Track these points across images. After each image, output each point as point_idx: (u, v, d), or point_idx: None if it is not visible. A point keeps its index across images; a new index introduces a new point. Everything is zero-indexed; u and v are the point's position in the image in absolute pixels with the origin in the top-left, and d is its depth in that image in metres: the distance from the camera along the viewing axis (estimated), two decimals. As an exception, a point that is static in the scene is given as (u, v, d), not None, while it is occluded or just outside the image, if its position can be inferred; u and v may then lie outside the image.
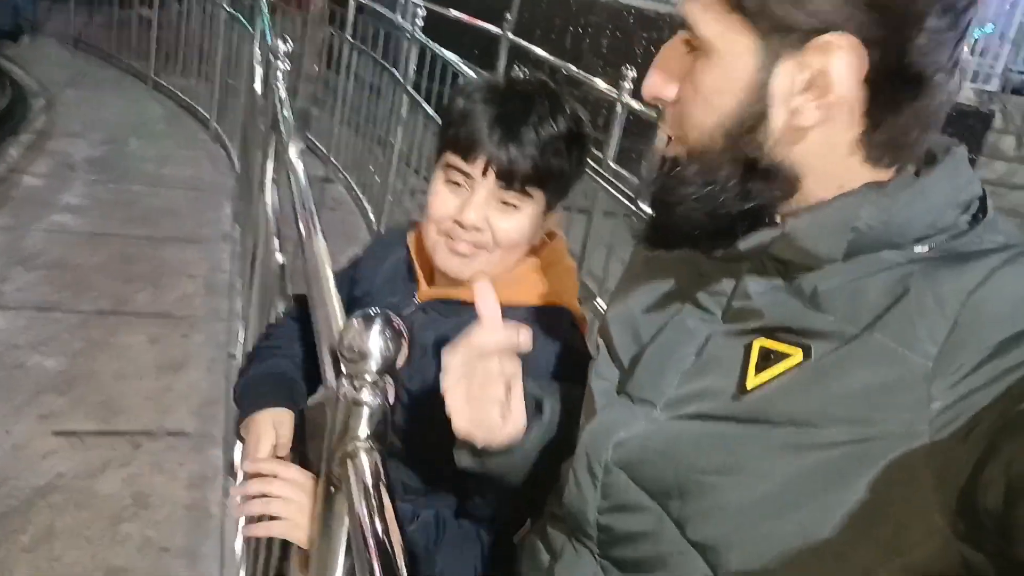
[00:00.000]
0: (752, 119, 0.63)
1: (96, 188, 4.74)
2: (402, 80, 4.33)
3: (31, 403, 2.71)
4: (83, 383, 2.88)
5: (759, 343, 0.66)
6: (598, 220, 3.59)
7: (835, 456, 0.60)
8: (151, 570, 2.14)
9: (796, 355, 0.64)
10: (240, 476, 1.19)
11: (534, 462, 0.86)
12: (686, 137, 0.67)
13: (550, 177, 1.08)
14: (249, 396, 1.24)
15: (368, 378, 0.71)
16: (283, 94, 2.19)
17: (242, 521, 1.79)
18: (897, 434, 0.57)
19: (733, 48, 0.62)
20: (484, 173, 1.06)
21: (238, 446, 2.33)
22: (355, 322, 0.71)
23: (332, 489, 0.72)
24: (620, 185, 3.31)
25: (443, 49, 4.08)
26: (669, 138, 0.71)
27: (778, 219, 0.67)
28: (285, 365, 1.28)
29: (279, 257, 2.05)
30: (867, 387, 0.59)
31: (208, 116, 6.15)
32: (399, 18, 4.71)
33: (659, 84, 0.68)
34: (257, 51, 3.77)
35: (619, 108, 3.72)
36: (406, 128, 4.42)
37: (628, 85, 3.66)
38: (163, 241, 4.17)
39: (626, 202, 3.15)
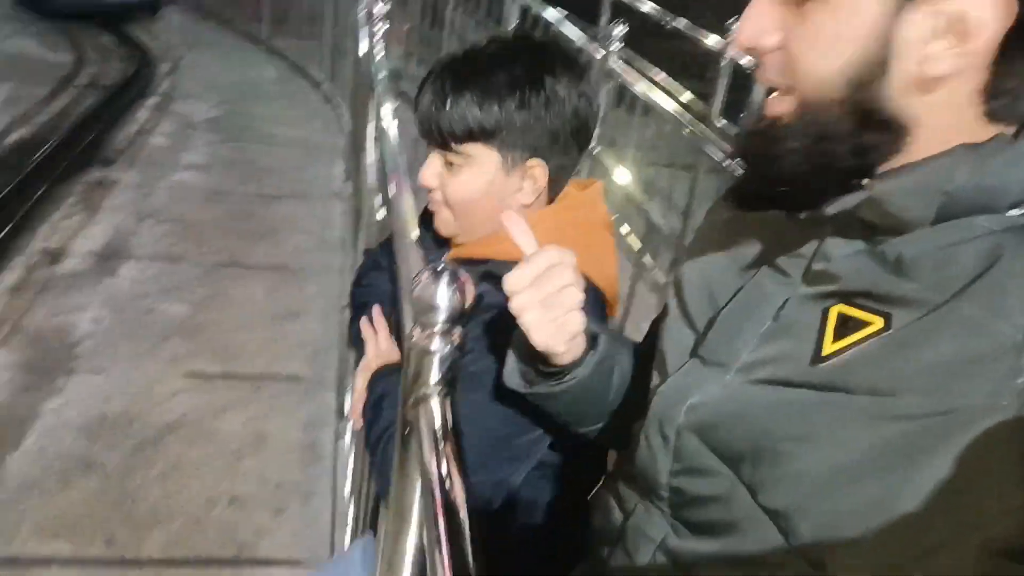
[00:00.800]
0: (876, 67, 0.60)
1: (215, 147, 4.99)
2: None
3: (161, 346, 2.92)
4: (206, 329, 3.07)
5: (837, 309, 0.65)
6: (703, 177, 3.52)
7: (915, 428, 0.58)
8: (268, 502, 2.29)
9: (876, 323, 0.62)
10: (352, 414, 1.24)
11: (579, 397, 0.86)
12: (796, 87, 0.64)
13: (487, 133, 1.04)
14: (362, 303, 1.31)
15: (437, 328, 0.75)
16: (380, 54, 2.23)
17: (351, 463, 1.86)
18: (981, 407, 0.55)
19: None
20: (427, 136, 1.09)
21: (349, 392, 2.47)
22: (425, 276, 0.75)
23: (407, 431, 0.76)
24: (724, 142, 3.23)
25: (545, 6, 4.05)
26: (770, 90, 0.68)
27: (864, 181, 0.64)
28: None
29: (380, 214, 2.12)
30: (951, 358, 0.57)
31: (319, 77, 6.34)
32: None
33: (757, 31, 0.64)
34: (362, 12, 3.85)
35: (724, 62, 3.61)
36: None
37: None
38: (277, 198, 4.36)
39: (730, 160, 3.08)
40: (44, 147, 4.47)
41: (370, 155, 2.48)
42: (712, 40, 4.05)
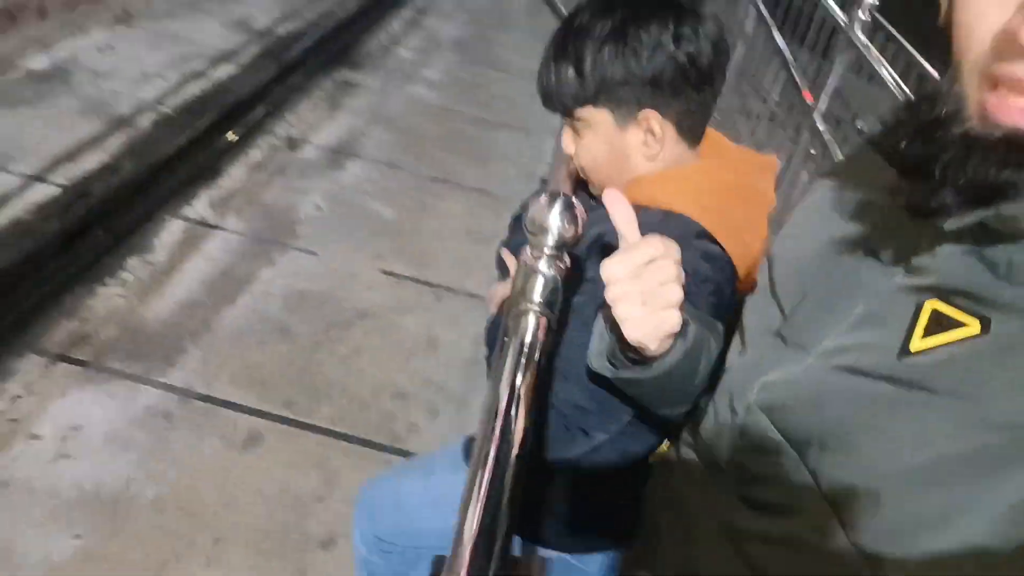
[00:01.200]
0: None
1: (453, 67, 5.22)
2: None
3: (367, 241, 3.17)
4: (409, 234, 3.29)
5: (931, 304, 0.61)
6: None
7: (1000, 439, 0.55)
8: (426, 401, 2.46)
9: (972, 326, 0.58)
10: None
11: (664, 385, 0.84)
12: None
13: (589, 96, 1.03)
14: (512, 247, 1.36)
15: (546, 251, 0.77)
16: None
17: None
18: None
19: None
20: (547, 106, 1.10)
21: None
22: (541, 199, 0.77)
23: (505, 339, 0.80)
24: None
25: None
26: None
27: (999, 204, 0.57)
28: None
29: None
30: None
31: (564, 12, 6.38)
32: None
33: None
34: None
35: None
36: (747, 44, 4.24)
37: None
38: (498, 125, 4.51)
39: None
40: (305, 42, 4.89)
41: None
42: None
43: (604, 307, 0.79)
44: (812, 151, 2.70)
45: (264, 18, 5.20)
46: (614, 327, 0.79)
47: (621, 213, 0.78)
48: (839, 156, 2.65)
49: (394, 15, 5.94)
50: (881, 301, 0.65)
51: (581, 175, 1.18)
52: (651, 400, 0.89)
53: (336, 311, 2.76)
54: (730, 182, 1.07)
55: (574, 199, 0.79)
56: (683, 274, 0.76)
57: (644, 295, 0.73)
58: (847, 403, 0.64)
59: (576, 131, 1.10)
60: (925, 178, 0.59)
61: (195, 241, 2.96)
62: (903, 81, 2.30)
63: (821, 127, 2.60)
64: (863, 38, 2.44)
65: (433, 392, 2.51)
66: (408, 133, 4.17)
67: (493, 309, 1.17)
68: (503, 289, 1.18)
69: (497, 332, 1.13)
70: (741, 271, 1.04)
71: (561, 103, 1.07)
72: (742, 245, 1.03)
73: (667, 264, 0.74)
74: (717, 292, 0.99)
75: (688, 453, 0.85)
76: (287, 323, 2.66)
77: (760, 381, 0.72)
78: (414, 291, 2.96)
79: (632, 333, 0.75)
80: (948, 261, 0.62)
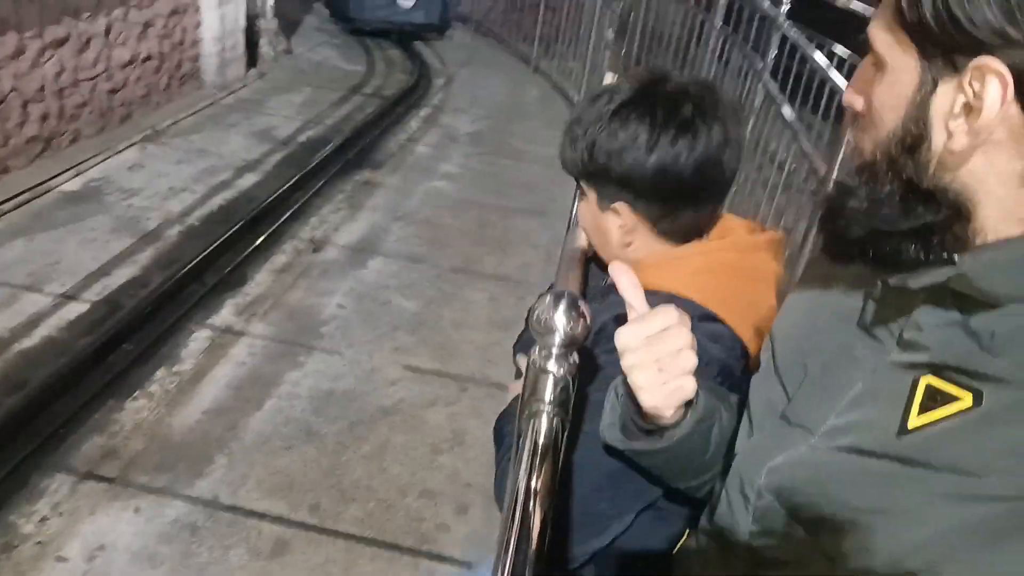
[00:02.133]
0: (912, 139, 0.62)
1: (470, 159, 5.33)
2: (760, 65, 4.21)
3: (389, 336, 3.19)
4: (430, 326, 3.31)
5: (926, 380, 0.63)
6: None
7: (1000, 511, 0.56)
8: (454, 498, 2.42)
9: (965, 399, 0.60)
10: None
11: (677, 456, 0.85)
12: (862, 150, 0.68)
13: (576, 173, 1.10)
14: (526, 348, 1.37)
15: (554, 350, 0.79)
16: (609, 78, 2.28)
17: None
18: None
19: (900, 64, 0.62)
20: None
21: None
22: (546, 299, 0.80)
23: (519, 440, 0.80)
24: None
25: (802, 36, 3.87)
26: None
27: (956, 257, 0.62)
28: None
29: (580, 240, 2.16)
30: None
31: (576, 99, 6.54)
32: (768, 2, 4.55)
33: (851, 95, 0.69)
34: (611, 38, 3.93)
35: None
36: (757, 118, 4.29)
37: None
38: (515, 211, 4.57)
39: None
40: (327, 147, 5.05)
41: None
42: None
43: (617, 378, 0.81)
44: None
45: (286, 127, 5.40)
46: (630, 396, 0.81)
47: (627, 283, 0.81)
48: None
49: (412, 115, 6.13)
50: (877, 379, 0.66)
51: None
52: (665, 472, 0.90)
53: (361, 409, 2.76)
54: (733, 262, 1.07)
55: (579, 298, 0.81)
56: (696, 342, 0.77)
57: (659, 363, 0.76)
58: (851, 483, 0.65)
59: (580, 195, 1.16)
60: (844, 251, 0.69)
61: (222, 349, 3.00)
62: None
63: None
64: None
65: (461, 488, 2.46)
66: (428, 226, 4.25)
67: (508, 398, 1.17)
68: (516, 387, 1.18)
69: (505, 430, 1.12)
70: (751, 349, 1.03)
71: (566, 168, 1.13)
72: (749, 324, 1.02)
73: (680, 332, 0.76)
74: (725, 372, 0.99)
75: (705, 539, 0.85)
76: (313, 424, 2.66)
77: (768, 464, 0.73)
78: (438, 384, 2.95)
79: (648, 400, 0.78)
80: (937, 334, 0.63)
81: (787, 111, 3.52)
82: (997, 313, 0.59)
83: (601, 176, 1.06)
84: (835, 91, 3.07)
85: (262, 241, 3.81)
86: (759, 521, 0.74)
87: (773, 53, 4.05)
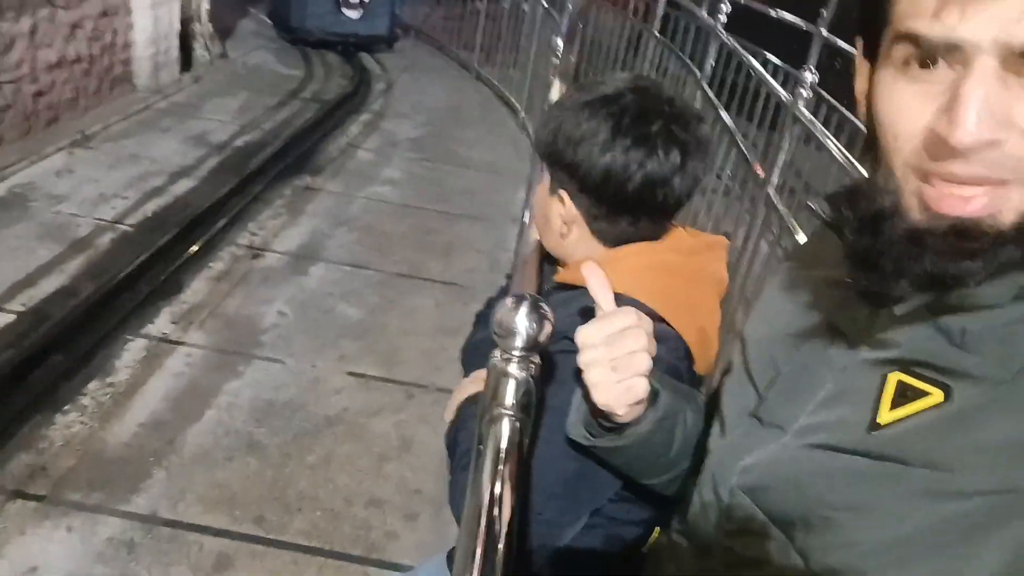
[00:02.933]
0: None
1: (412, 165, 5.29)
2: (699, 75, 4.28)
3: (332, 344, 3.13)
4: (375, 334, 3.26)
5: (895, 376, 0.62)
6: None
7: (974, 506, 0.56)
8: (403, 507, 2.38)
9: (935, 395, 0.60)
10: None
11: (641, 453, 0.86)
12: (1014, 182, 0.55)
13: (546, 153, 1.09)
14: (472, 358, 1.35)
15: (515, 353, 0.78)
16: (554, 93, 2.28)
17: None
18: None
19: None
20: None
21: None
22: (507, 302, 0.79)
23: (480, 446, 0.79)
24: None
25: (741, 46, 3.96)
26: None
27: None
28: None
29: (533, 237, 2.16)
30: (1014, 438, 0.55)
31: (518, 105, 6.56)
32: (705, 13, 4.63)
33: (989, 123, 0.53)
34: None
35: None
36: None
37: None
38: (459, 217, 4.55)
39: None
40: (264, 152, 4.94)
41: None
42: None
43: (579, 375, 0.84)
44: (768, 224, 2.74)
45: (222, 132, 5.28)
46: (587, 393, 0.82)
47: (597, 283, 0.83)
48: (794, 226, 2.70)
49: (352, 120, 6.05)
50: (848, 377, 0.67)
51: None
52: (631, 469, 0.91)
53: (304, 420, 2.69)
54: (675, 263, 1.08)
55: (541, 300, 0.80)
56: (654, 344, 0.79)
57: (614, 362, 0.77)
58: (825, 481, 0.65)
59: (539, 176, 1.19)
60: (875, 269, 0.60)
61: (157, 359, 2.90)
62: (849, 150, 2.37)
63: (775, 199, 2.65)
64: (807, 114, 2.51)
65: (409, 496, 2.43)
66: (370, 232, 4.19)
67: (449, 416, 1.14)
68: (460, 395, 1.16)
69: (458, 437, 1.10)
70: (695, 349, 1.04)
71: (535, 147, 1.16)
72: (693, 324, 1.03)
73: (638, 334, 0.78)
74: (672, 372, 0.99)
75: (678, 539, 0.85)
76: (255, 436, 2.59)
77: (740, 464, 0.73)
78: (383, 392, 2.90)
79: (600, 398, 0.79)
80: (907, 333, 0.63)
81: (725, 116, 3.58)
82: (971, 313, 0.59)
83: (556, 160, 1.08)
84: (779, 102, 3.13)
85: (198, 248, 3.70)
86: (733, 520, 0.73)
87: (711, 63, 4.13)
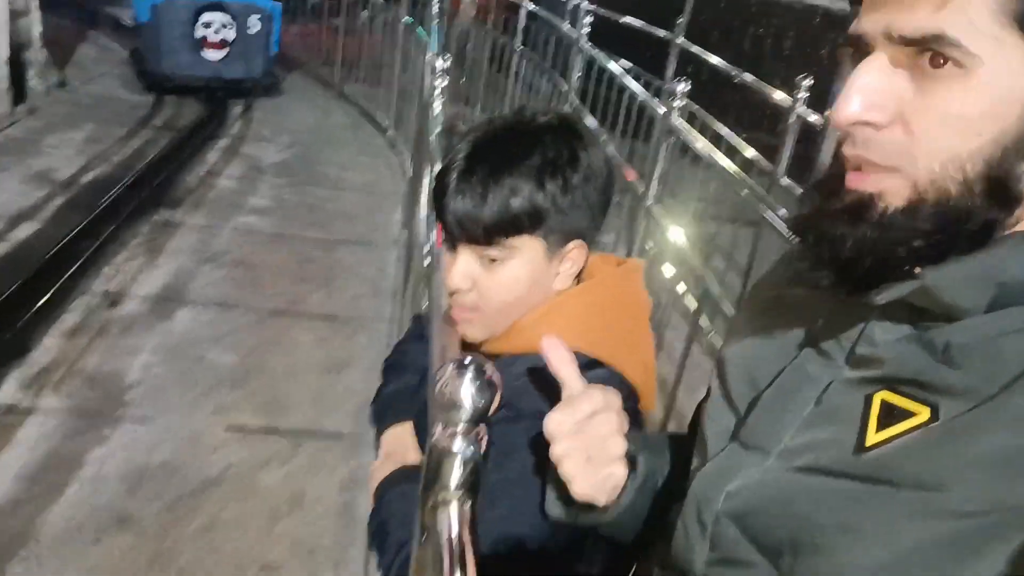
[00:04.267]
0: (1021, 143, 0.56)
1: (281, 191, 5.06)
2: (566, 87, 4.30)
3: (208, 396, 2.91)
4: (255, 379, 3.06)
5: (881, 396, 0.62)
6: (767, 235, 3.38)
7: (966, 526, 0.55)
8: (300, 569, 2.22)
9: (922, 414, 0.59)
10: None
11: (623, 520, 0.84)
12: (910, 167, 0.59)
13: (534, 221, 0.96)
14: (385, 412, 1.25)
15: (460, 427, 0.70)
16: (438, 109, 2.21)
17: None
18: None
19: (1010, 68, 0.55)
20: (463, 233, 0.98)
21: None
22: (448, 370, 0.71)
23: (424, 537, 0.71)
24: (786, 203, 3.10)
25: (608, 58, 4.00)
26: (836, 159, 0.64)
27: (916, 271, 0.60)
28: (416, 381, 1.28)
29: (426, 261, 2.09)
30: (1004, 453, 0.55)
31: (385, 123, 6.41)
32: (567, 25, 4.67)
33: (869, 105, 0.58)
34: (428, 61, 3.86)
35: (793, 119, 3.48)
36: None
37: (803, 94, 3.41)
38: (337, 243, 4.37)
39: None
40: (116, 187, 4.59)
41: (424, 208, 2.45)
42: (779, 96, 3.94)
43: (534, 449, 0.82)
44: (649, 235, 2.76)
45: (67, 168, 4.87)
46: (562, 483, 0.79)
47: (560, 359, 0.80)
48: (668, 233, 2.73)
49: (209, 146, 5.73)
50: (831, 397, 0.66)
51: (461, 317, 1.04)
52: (617, 535, 0.89)
53: (182, 483, 2.48)
54: (608, 300, 1.04)
55: (486, 364, 0.72)
56: (626, 423, 0.77)
57: (588, 451, 0.75)
58: (812, 504, 0.64)
59: (490, 261, 0.99)
60: (809, 252, 0.63)
61: (7, 431, 2.59)
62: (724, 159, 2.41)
63: (654, 210, 2.66)
64: (684, 124, 2.54)
65: (305, 556, 2.27)
66: (241, 267, 3.96)
67: (370, 500, 1.04)
68: (378, 474, 1.06)
69: (387, 526, 0.99)
70: (641, 388, 1.00)
71: (489, 228, 0.96)
72: (635, 361, 1.00)
73: (608, 417, 0.76)
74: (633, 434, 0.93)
75: (660, 572, 0.82)
76: (127, 508, 2.35)
77: (725, 489, 0.71)
78: (268, 443, 2.72)
79: (579, 491, 0.77)
80: (890, 349, 0.62)
81: (597, 128, 3.60)
82: (952, 325, 0.59)
83: (566, 217, 0.98)
84: (644, 112, 3.17)
85: (47, 300, 3.36)
86: (718, 548, 0.71)
87: (578, 74, 4.15)
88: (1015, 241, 0.58)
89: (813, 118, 3.45)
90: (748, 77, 4.21)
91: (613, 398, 0.77)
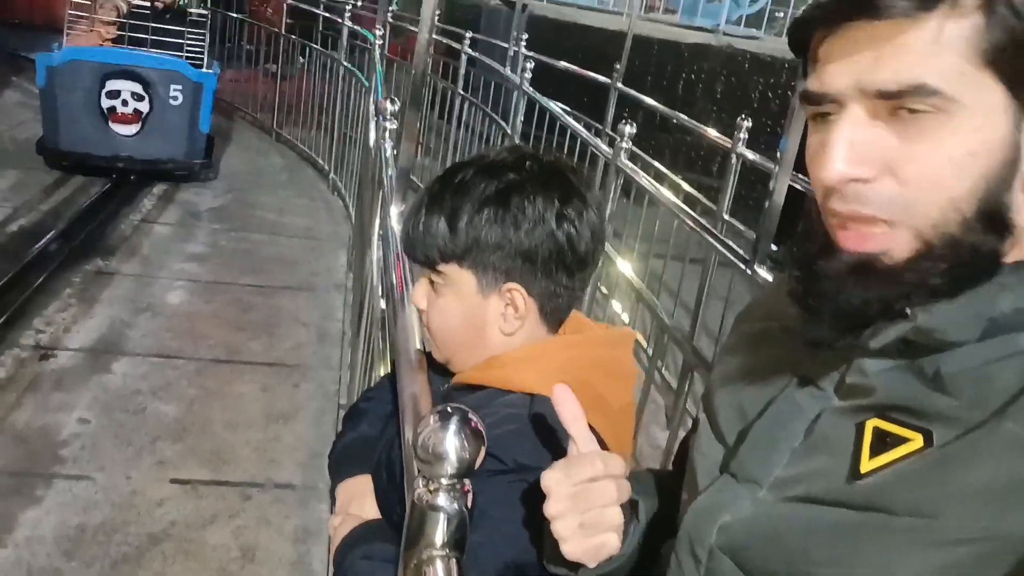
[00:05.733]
0: (1007, 176, 0.58)
1: (218, 237, 4.95)
2: (509, 131, 4.36)
3: (149, 449, 2.79)
4: (197, 431, 2.95)
5: (872, 423, 0.62)
6: (715, 271, 3.45)
7: (962, 555, 0.55)
8: (253, 629, 2.13)
9: (916, 440, 0.59)
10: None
11: (624, 565, 0.82)
12: (916, 219, 0.58)
13: (457, 253, 0.98)
14: (342, 462, 1.21)
15: (444, 481, 0.67)
16: (388, 153, 2.20)
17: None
18: None
19: (987, 106, 0.56)
20: (409, 255, 1.06)
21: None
22: (431, 420, 0.67)
23: None
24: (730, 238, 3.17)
25: (550, 101, 4.08)
26: (807, 213, 0.65)
27: (908, 311, 0.60)
28: (377, 431, 1.24)
29: (381, 304, 2.06)
30: (997, 480, 0.54)
31: (326, 167, 6.37)
32: (508, 70, 4.75)
33: (853, 162, 0.58)
34: (372, 105, 3.87)
35: (734, 158, 3.59)
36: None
37: (743, 135, 3.53)
38: (279, 290, 4.29)
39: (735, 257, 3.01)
40: (45, 236, 4.43)
41: (375, 251, 2.42)
42: (715, 134, 4.07)
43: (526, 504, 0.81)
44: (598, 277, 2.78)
45: (-10, 216, 4.68)
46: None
47: (571, 414, 0.77)
48: (619, 271, 2.76)
49: (144, 192, 5.58)
50: (822, 426, 0.65)
51: (428, 336, 1.08)
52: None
53: (124, 542, 2.36)
54: (599, 358, 1.02)
55: (470, 413, 0.68)
56: (626, 491, 0.75)
57: (583, 517, 0.73)
58: (806, 535, 0.63)
59: (434, 287, 1.03)
60: (808, 309, 0.63)
61: (-71, 495, 2.44)
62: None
63: (609, 251, 2.70)
64: (631, 165, 2.59)
65: (258, 614, 2.18)
66: (179, 316, 3.84)
67: (332, 561, 1.00)
68: (339, 534, 1.02)
69: None
70: (612, 444, 0.97)
71: (425, 254, 1.01)
72: (613, 424, 0.97)
73: (608, 486, 0.73)
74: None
75: None
76: (64, 572, 2.22)
77: (718, 523, 0.70)
78: (214, 496, 2.61)
79: (570, 552, 0.75)
80: (880, 377, 0.62)
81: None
82: (942, 354, 0.59)
83: (493, 255, 0.97)
84: (587, 154, 3.22)
85: (-28, 355, 3.21)
86: None
87: (520, 118, 4.21)
88: (1004, 275, 0.59)
89: (753, 156, 3.56)
90: (683, 117, 4.33)
91: (616, 465, 0.75)
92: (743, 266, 2.27)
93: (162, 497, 2.57)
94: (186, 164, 5.83)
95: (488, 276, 0.99)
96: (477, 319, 1.01)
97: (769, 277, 2.12)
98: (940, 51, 0.55)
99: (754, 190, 4.06)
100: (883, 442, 0.60)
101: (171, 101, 5.71)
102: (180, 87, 5.70)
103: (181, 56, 5.82)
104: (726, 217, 3.76)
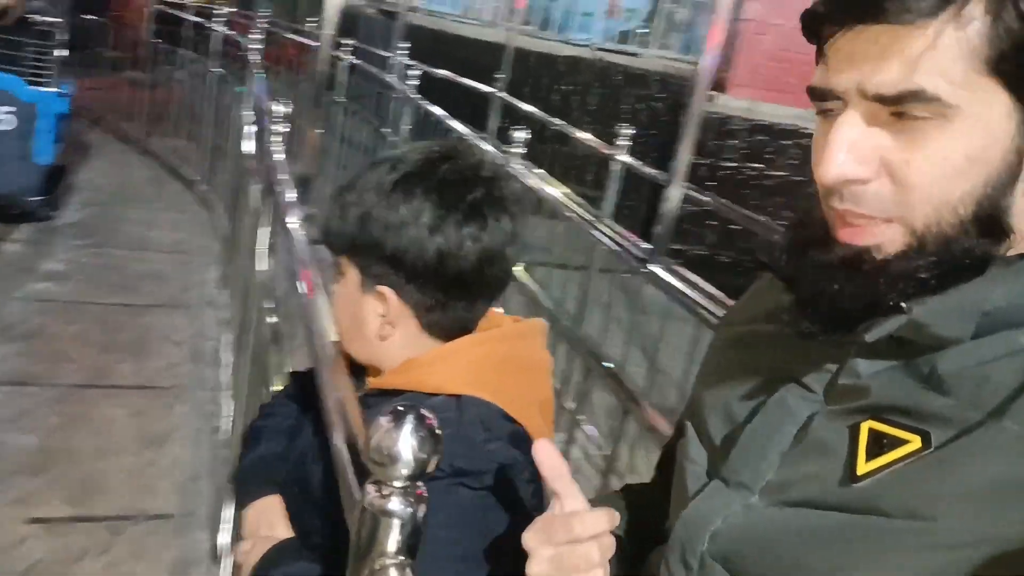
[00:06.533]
0: (1007, 182, 0.58)
1: (78, 253, 4.62)
2: (396, 138, 4.30)
3: (5, 485, 2.55)
4: (60, 462, 2.72)
5: (868, 425, 0.61)
6: (596, 278, 3.51)
7: (962, 557, 0.54)
8: (129, 673, 1.97)
9: (914, 442, 0.58)
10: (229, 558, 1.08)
11: None
12: (912, 218, 0.60)
13: (342, 246, 0.99)
14: (247, 484, 1.15)
15: (398, 484, 0.63)
16: (279, 157, 2.11)
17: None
18: None
19: (989, 112, 0.57)
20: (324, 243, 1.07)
21: (224, 529, 2.21)
22: (382, 421, 0.63)
23: None
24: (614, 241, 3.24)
25: (436, 107, 4.05)
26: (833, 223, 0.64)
27: (904, 305, 0.60)
28: (282, 447, 1.18)
29: (272, 319, 1.97)
30: (996, 480, 0.54)
31: (195, 178, 6.09)
32: (393, 79, 4.69)
33: (855, 162, 0.59)
34: (248, 113, 3.71)
35: (616, 165, 3.67)
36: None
37: (625, 142, 3.62)
38: (147, 308, 4.04)
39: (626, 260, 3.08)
40: None
41: (262, 263, 2.31)
42: (596, 141, 4.17)
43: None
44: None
45: None
46: None
47: (552, 470, 0.72)
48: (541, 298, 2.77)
49: (-9, 206, 5.15)
50: (815, 430, 0.65)
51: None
52: None
53: (-24, 590, 2.14)
54: (509, 353, 0.99)
55: (425, 411, 0.65)
56: (612, 547, 0.71)
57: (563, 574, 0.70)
58: (801, 540, 0.62)
59: (336, 275, 1.02)
60: (798, 299, 0.64)
61: None
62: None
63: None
64: (524, 170, 2.59)
65: (134, 657, 2.02)
66: (35, 339, 3.54)
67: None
68: (252, 558, 0.96)
69: None
70: (532, 433, 0.96)
71: (327, 241, 1.00)
72: (534, 418, 0.96)
73: (590, 550, 0.69)
74: (534, 477, 0.89)
75: None
76: (-96, 628, 1.99)
77: (709, 529, 0.69)
78: (82, 533, 2.41)
79: None
80: (874, 379, 0.62)
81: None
82: (937, 353, 0.59)
83: (370, 252, 0.94)
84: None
85: None
86: None
87: (408, 127, 4.17)
88: (996, 269, 0.59)
89: (632, 161, 3.66)
90: (578, 132, 4.41)
91: (600, 523, 0.71)
92: (636, 264, 2.32)
93: (22, 536, 2.35)
94: (17, 201, 4.72)
95: (368, 274, 0.97)
96: (358, 317, 0.99)
97: (668, 277, 2.18)
98: (942, 57, 0.55)
99: (629, 197, 4.17)
100: (880, 444, 0.60)
101: None
102: (12, 109, 4.56)
103: (20, 72, 4.63)
104: (607, 222, 3.84)
